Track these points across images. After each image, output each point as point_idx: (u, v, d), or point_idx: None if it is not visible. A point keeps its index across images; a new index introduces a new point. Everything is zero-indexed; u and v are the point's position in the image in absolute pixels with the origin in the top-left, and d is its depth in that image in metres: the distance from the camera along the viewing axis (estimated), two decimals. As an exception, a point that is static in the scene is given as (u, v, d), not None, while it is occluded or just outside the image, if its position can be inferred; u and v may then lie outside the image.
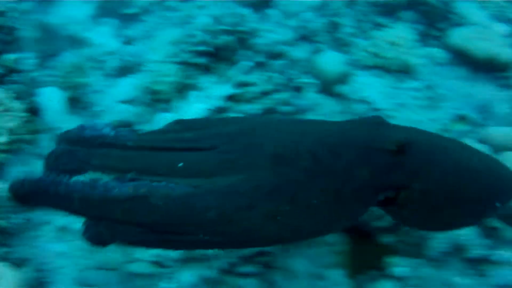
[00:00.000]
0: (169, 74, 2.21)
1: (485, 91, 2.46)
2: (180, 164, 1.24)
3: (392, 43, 2.44)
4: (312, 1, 2.62)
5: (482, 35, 2.55)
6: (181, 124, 1.45)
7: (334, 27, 2.54)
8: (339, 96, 2.30)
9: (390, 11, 2.62)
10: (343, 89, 2.31)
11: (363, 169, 1.26)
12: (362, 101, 2.27)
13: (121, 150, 1.31)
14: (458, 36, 2.56)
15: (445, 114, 2.32)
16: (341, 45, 2.48)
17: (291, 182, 1.23)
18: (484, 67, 2.51)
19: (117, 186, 1.23)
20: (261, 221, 1.24)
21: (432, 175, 1.31)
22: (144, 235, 1.29)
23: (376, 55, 2.41)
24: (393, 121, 1.45)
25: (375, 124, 1.38)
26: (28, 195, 1.28)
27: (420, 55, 2.50)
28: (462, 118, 2.31)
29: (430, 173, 1.30)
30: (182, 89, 2.18)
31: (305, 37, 2.49)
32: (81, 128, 1.39)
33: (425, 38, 2.59)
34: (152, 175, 1.24)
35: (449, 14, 2.65)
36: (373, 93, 2.31)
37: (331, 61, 2.35)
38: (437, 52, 2.55)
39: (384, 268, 1.99)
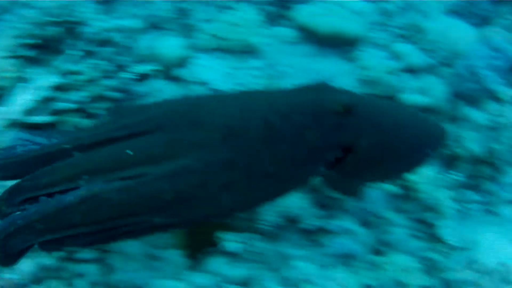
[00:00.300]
0: (8, 69, 2.23)
1: (330, 66, 2.49)
2: (129, 153, 1.23)
3: (237, 25, 2.47)
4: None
5: (330, 11, 2.58)
6: (117, 113, 1.45)
7: (182, 13, 2.56)
8: (178, 80, 2.32)
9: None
10: (182, 72, 2.34)
11: (314, 132, 1.31)
12: (201, 83, 2.30)
13: (63, 157, 1.27)
14: (305, 13, 2.58)
15: (286, 90, 2.35)
16: (186, 30, 2.50)
17: (244, 154, 1.25)
18: (331, 43, 2.54)
19: (70, 193, 1.23)
20: (216, 195, 1.26)
21: (375, 132, 1.42)
22: (100, 233, 1.29)
23: (219, 37, 2.43)
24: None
25: (321, 88, 1.45)
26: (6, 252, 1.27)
27: (266, 35, 2.53)
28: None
29: (373, 130, 1.41)
30: (16, 82, 2.19)
31: (152, 25, 2.51)
32: (11, 148, 1.33)
33: (273, 18, 2.61)
34: (104, 172, 1.22)
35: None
36: (213, 74, 2.34)
37: (170, 46, 2.37)
38: (285, 31, 2.58)
39: (218, 244, 2.02)
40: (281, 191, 1.43)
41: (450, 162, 2.79)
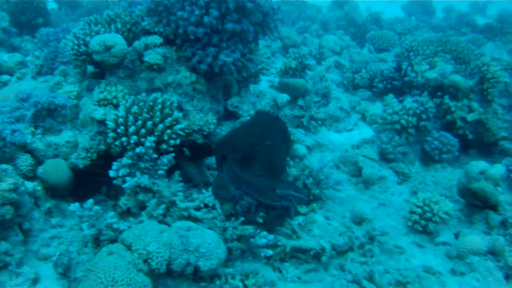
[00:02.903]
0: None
1: None
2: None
3: None
4: None
5: None
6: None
7: None
8: None
9: None
10: None
11: (280, 128, 3.29)
12: None
13: None
14: None
15: None
16: None
17: (272, 146, 2.91)
18: None
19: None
20: (280, 159, 3.10)
21: (285, 128, 3.36)
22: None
23: None
24: None
25: (265, 112, 4.03)
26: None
27: None
28: None
29: (285, 127, 3.36)
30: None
31: None
32: None
33: None
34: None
35: None
36: None
37: None
38: None
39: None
40: (283, 162, 3.22)
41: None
